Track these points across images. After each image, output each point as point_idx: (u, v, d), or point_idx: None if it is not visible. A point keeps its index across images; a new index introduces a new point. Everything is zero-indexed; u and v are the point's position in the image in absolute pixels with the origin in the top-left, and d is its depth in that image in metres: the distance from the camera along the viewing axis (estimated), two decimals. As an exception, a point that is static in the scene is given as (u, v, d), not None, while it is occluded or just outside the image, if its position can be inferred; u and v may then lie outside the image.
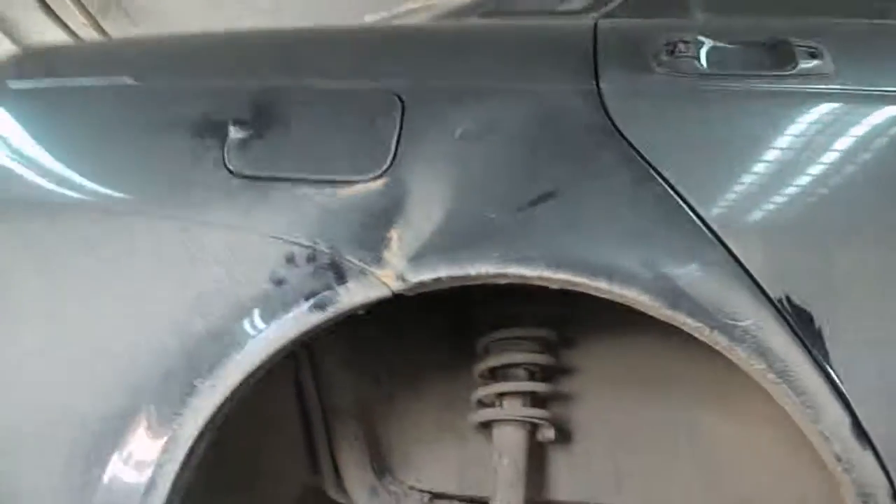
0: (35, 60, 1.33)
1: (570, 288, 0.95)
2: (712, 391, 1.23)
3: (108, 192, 1.11)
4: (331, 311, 0.97)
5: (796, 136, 1.00)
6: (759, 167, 0.98)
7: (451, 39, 1.21)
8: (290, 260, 1.00)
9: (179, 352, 0.97)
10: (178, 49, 1.29)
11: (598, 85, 1.07)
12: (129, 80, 1.20)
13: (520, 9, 1.38)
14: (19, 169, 1.14)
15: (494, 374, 1.26)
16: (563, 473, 1.29)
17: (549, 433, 1.23)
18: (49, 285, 1.04)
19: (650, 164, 0.99)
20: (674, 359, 1.22)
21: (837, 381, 0.86)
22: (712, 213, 0.95)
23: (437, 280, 0.96)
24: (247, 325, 0.98)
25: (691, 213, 0.95)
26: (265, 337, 0.97)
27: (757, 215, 0.95)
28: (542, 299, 1.04)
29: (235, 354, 0.96)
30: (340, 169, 1.05)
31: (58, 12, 2.46)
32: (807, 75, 1.04)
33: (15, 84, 1.24)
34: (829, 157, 0.97)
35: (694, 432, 1.25)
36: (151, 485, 0.91)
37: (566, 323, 1.29)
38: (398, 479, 1.30)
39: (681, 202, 0.96)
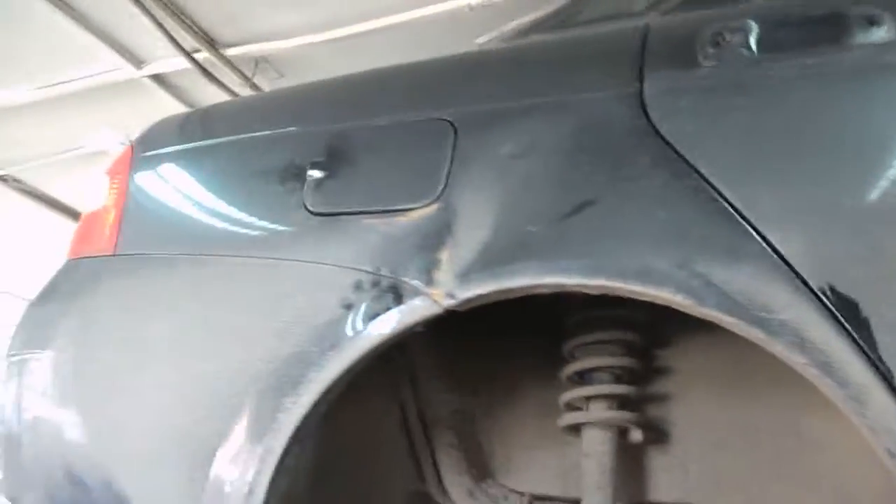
0: (170, 127, 1.55)
1: (608, 293, 0.96)
2: (818, 392, 1.17)
3: (214, 240, 1.28)
4: (388, 330, 1.06)
5: (845, 116, 0.94)
6: (801, 150, 0.94)
7: (502, 60, 1.27)
8: (358, 286, 1.11)
9: (270, 374, 1.11)
10: (274, 102, 1.45)
11: (641, 87, 1.07)
12: (232, 137, 1.38)
13: (583, 17, 1.40)
14: (153, 226, 1.36)
15: (581, 378, 1.28)
16: (660, 475, 1.28)
17: (637, 435, 1.23)
18: (167, 326, 1.23)
19: (685, 160, 0.99)
20: (776, 359, 1.18)
21: (886, 371, 0.81)
22: (748, 203, 0.92)
23: (483, 295, 1.02)
24: (322, 347, 1.09)
25: (727, 206, 0.93)
26: (337, 357, 1.08)
27: (797, 202, 0.91)
28: (633, 303, 1.06)
29: (314, 374, 1.08)
30: (399, 198, 1.15)
31: (216, 75, 2.79)
32: (865, 46, 0.98)
33: (150, 152, 1.47)
34: (882, 135, 0.91)
35: (798, 435, 1.19)
36: (250, 492, 1.05)
37: (657, 325, 1.28)
38: (499, 483, 1.36)
39: (716, 195, 0.94)
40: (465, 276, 1.04)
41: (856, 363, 0.82)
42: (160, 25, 2.74)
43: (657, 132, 1.02)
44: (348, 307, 1.10)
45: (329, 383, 1.06)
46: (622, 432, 1.25)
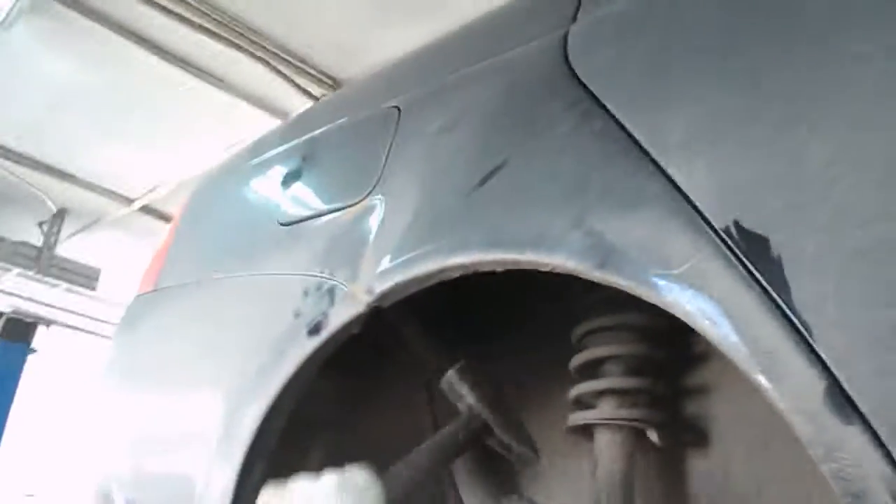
0: (210, 179, 1.63)
1: (508, 268, 0.82)
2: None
3: (212, 264, 1.31)
4: (324, 335, 0.99)
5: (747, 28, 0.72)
6: (705, 71, 0.73)
7: (452, 36, 1.16)
8: (306, 293, 1.06)
9: (239, 387, 1.09)
10: (268, 135, 1.46)
11: (567, 30, 0.92)
12: (236, 173, 1.42)
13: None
14: (176, 263, 1.43)
15: (593, 370, 1.11)
16: (699, 481, 1.06)
17: (654, 436, 1.03)
18: (177, 343, 1.28)
19: (595, 98, 0.82)
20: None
21: (803, 329, 0.59)
22: (652, 135, 0.74)
23: (397, 286, 0.92)
24: (278, 355, 1.06)
25: (632, 143, 0.76)
26: (284, 366, 1.03)
27: (703, 130, 0.71)
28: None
29: (264, 389, 1.04)
30: (343, 196, 1.09)
31: (303, 85, 2.89)
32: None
33: (193, 202, 1.55)
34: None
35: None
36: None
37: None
38: (525, 497, 1.21)
39: (621, 132, 0.77)
40: (383, 269, 0.95)
41: (765, 319, 0.61)
42: (286, 77, 2.93)
43: (574, 74, 0.87)
44: (297, 315, 1.06)
45: (273, 398, 1.02)
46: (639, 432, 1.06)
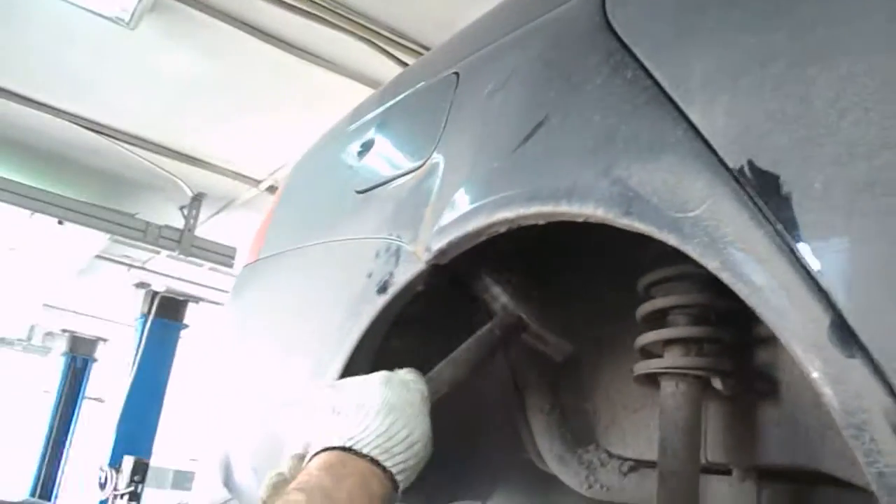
0: (304, 158, 1.73)
1: (546, 220, 0.85)
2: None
3: (304, 234, 1.41)
4: (391, 293, 1.06)
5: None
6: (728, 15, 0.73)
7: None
8: (377, 255, 1.13)
9: (335, 332, 1.17)
10: (351, 113, 1.53)
11: (608, -19, 0.93)
12: (324, 155, 1.51)
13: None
14: (276, 235, 1.54)
15: (661, 319, 1.12)
16: (770, 430, 1.05)
17: (716, 384, 1.03)
18: (279, 301, 1.39)
19: (627, 49, 0.83)
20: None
21: (809, 265, 0.59)
22: (675, 80, 0.75)
23: (452, 243, 0.97)
24: (354, 313, 1.14)
25: (658, 90, 0.77)
26: (359, 323, 1.11)
27: (720, 72, 0.71)
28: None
29: (351, 336, 1.12)
30: (409, 160, 1.15)
31: (403, 59, 2.95)
32: None
33: (290, 180, 1.66)
34: None
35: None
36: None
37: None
38: (601, 448, 1.23)
39: (649, 81, 0.78)
40: (438, 227, 1.00)
41: (774, 260, 0.61)
42: (386, 52, 3.03)
43: (609, 26, 0.88)
44: (370, 276, 1.13)
45: (349, 353, 1.10)
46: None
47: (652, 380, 1.11)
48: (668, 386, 1.06)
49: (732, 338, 1.07)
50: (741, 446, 1.09)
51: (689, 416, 1.04)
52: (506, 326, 1.11)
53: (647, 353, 1.12)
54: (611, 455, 1.23)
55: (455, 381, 1.01)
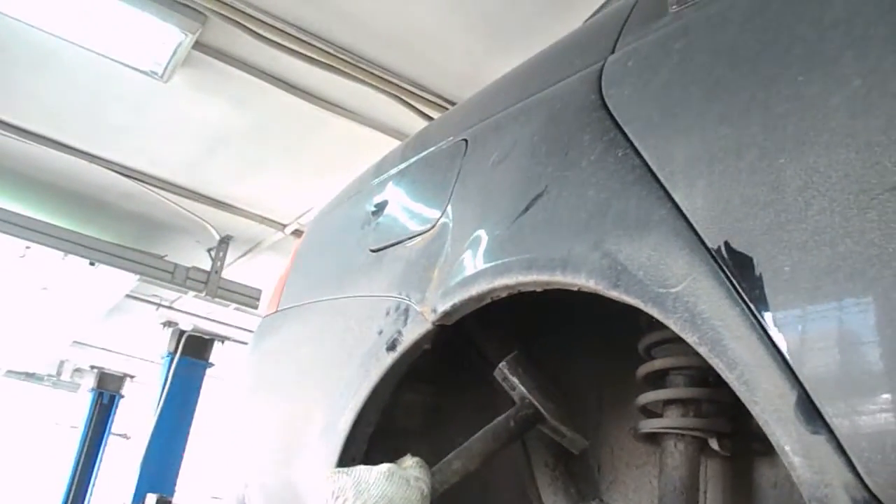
0: (320, 214, 1.80)
1: (544, 288, 0.90)
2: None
3: (317, 289, 1.47)
4: (399, 350, 1.11)
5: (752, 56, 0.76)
6: (711, 100, 0.78)
7: (514, 70, 1.24)
8: (387, 313, 1.18)
9: (344, 386, 1.21)
10: (366, 173, 1.60)
11: (605, 60, 0.99)
12: (339, 210, 1.57)
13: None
14: (293, 289, 1.60)
15: (662, 380, 1.15)
16: (764, 488, 1.07)
17: (713, 445, 1.06)
18: (292, 354, 1.44)
19: (619, 128, 0.88)
20: None
21: (778, 343, 0.63)
22: (661, 161, 0.80)
23: (456, 306, 1.02)
24: (363, 369, 1.18)
25: (645, 170, 0.82)
26: (368, 379, 1.16)
27: (702, 157, 0.76)
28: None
29: (351, 401, 1.17)
30: (419, 223, 1.20)
31: (425, 111, 3.05)
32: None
33: (307, 234, 1.73)
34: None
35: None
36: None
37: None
38: (605, 503, 1.26)
39: (638, 160, 0.83)
40: (444, 290, 1.05)
41: (746, 337, 0.65)
42: (408, 104, 3.13)
43: (604, 105, 0.93)
44: (380, 333, 1.18)
45: (359, 408, 1.14)
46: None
47: (652, 438, 1.14)
48: (667, 445, 1.09)
49: (730, 399, 1.10)
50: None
51: (688, 475, 1.06)
52: (522, 418, 1.14)
53: (648, 411, 1.15)
54: (614, 511, 1.25)
55: (465, 471, 1.04)
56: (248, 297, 5.54)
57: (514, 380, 1.15)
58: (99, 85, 3.55)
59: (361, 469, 0.89)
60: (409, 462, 0.92)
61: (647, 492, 1.25)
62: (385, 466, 0.89)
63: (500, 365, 1.15)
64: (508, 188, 1.03)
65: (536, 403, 1.14)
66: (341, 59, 2.97)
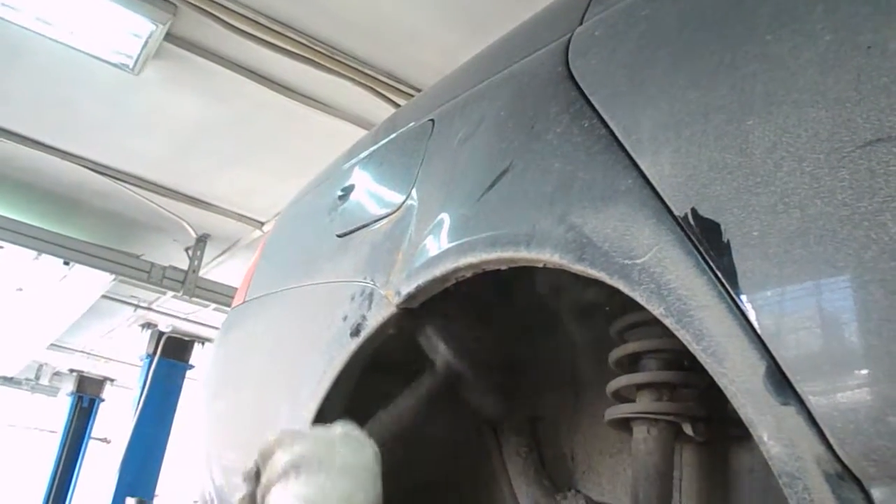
0: (289, 205, 1.76)
1: (508, 265, 0.86)
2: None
3: (286, 277, 1.43)
4: (363, 336, 1.07)
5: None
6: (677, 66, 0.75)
7: (489, 47, 1.21)
8: (352, 298, 1.14)
9: (309, 373, 1.17)
10: (338, 158, 1.56)
11: (573, 33, 0.96)
12: (309, 196, 1.53)
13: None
14: (261, 279, 1.56)
15: (634, 364, 1.12)
16: (740, 474, 1.04)
17: (687, 430, 1.03)
18: (259, 340, 1.40)
19: (585, 98, 0.85)
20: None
21: (747, 311, 0.59)
22: (627, 129, 0.77)
23: (421, 287, 0.98)
24: (328, 355, 1.14)
25: (612, 139, 0.78)
26: (333, 365, 1.11)
27: (668, 123, 0.72)
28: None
29: (317, 387, 1.13)
30: (384, 206, 1.16)
31: (399, 102, 3.03)
32: None
33: (275, 227, 1.69)
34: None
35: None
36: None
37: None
38: (581, 494, 1.22)
39: (604, 129, 0.80)
40: (407, 272, 1.01)
41: (713, 307, 0.62)
42: (383, 96, 3.09)
43: (571, 75, 0.90)
44: (345, 319, 1.14)
45: (325, 394, 1.10)
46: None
47: (625, 424, 1.10)
48: (639, 431, 1.06)
49: (705, 383, 1.07)
50: (715, 492, 1.08)
51: (661, 462, 1.03)
52: (441, 381, 1.12)
53: (621, 397, 1.12)
54: (588, 500, 1.22)
55: (392, 427, 1.03)
56: (226, 297, 5.47)
57: (438, 345, 1.11)
58: (69, 78, 3.47)
59: (316, 431, 0.87)
60: (343, 427, 0.89)
61: (622, 481, 1.22)
62: (339, 431, 0.86)
63: (427, 329, 1.11)
64: (474, 166, 1.00)
65: (458, 368, 1.11)
66: (315, 49, 2.92)
